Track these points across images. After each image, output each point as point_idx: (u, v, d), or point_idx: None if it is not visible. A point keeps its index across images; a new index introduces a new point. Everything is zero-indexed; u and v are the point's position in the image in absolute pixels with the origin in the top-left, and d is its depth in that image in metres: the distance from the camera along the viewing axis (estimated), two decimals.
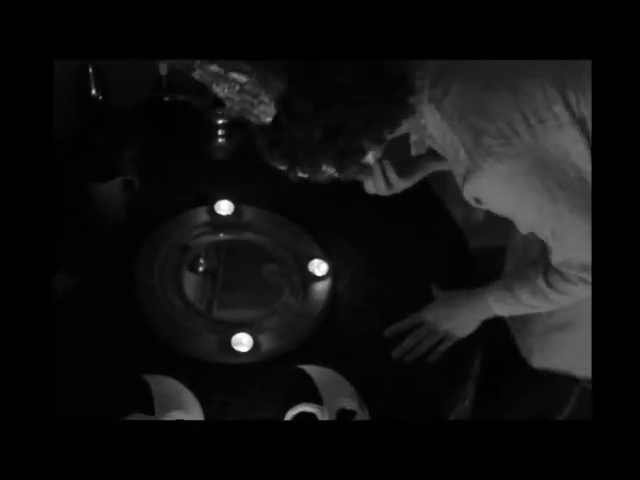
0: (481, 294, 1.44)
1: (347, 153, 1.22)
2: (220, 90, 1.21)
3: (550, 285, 1.33)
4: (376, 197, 1.53)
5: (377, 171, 1.43)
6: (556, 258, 1.28)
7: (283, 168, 1.26)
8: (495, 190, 1.24)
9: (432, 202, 1.73)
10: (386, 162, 1.42)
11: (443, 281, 1.54)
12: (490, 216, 1.87)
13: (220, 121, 1.74)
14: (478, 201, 1.28)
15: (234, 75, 1.20)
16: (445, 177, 2.06)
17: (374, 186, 1.47)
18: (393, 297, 1.53)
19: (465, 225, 1.83)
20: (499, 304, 1.41)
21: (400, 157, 1.46)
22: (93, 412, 1.26)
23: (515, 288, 1.39)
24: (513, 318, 1.53)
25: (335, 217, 1.64)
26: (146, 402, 1.29)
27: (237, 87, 1.21)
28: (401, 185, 1.49)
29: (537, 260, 1.41)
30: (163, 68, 1.66)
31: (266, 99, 1.19)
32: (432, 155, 1.44)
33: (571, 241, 1.24)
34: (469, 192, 1.25)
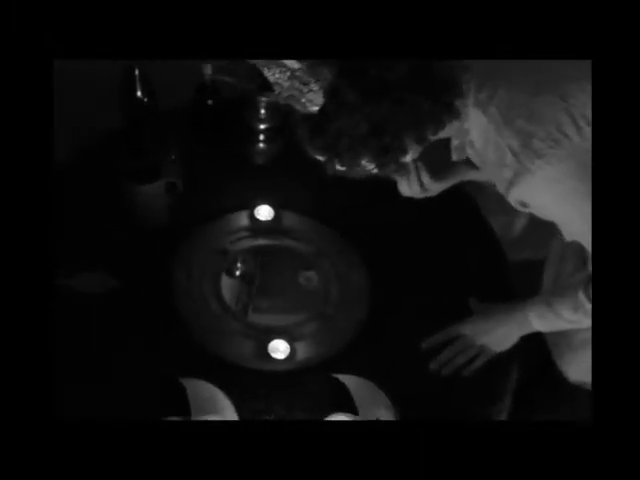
0: (521, 310, 1.43)
1: (390, 149, 1.21)
2: (271, 74, 1.20)
3: (591, 299, 1.31)
4: (416, 205, 1.53)
5: (412, 172, 1.42)
6: None
7: (322, 159, 1.25)
8: (543, 193, 1.22)
9: (471, 213, 1.72)
10: (420, 164, 1.41)
11: (481, 293, 1.53)
12: (529, 228, 1.86)
13: (262, 126, 1.74)
14: (524, 205, 1.26)
15: (287, 61, 1.19)
16: (483, 187, 2.06)
17: (409, 187, 1.46)
18: (431, 308, 1.52)
19: (503, 236, 1.81)
20: (540, 320, 1.40)
21: (435, 161, 1.46)
22: (129, 414, 1.27)
23: (555, 304, 1.38)
24: (551, 332, 1.52)
25: (374, 226, 1.63)
26: (182, 405, 1.30)
27: (288, 73, 1.19)
28: (434, 188, 1.49)
29: (576, 274, 1.39)
30: (207, 69, 1.67)
31: (315, 87, 1.18)
32: (468, 163, 1.43)
33: None
34: (515, 196, 1.24)
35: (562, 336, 1.55)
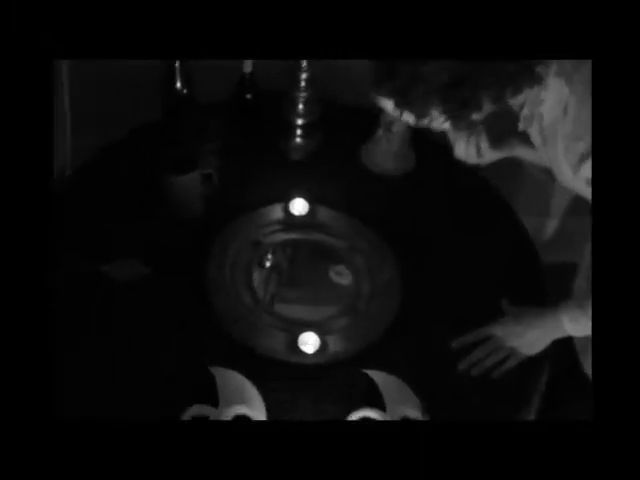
0: (554, 313, 1.41)
1: (467, 104, 1.18)
2: None
3: None
4: (449, 204, 1.53)
5: (475, 134, 1.40)
6: None
7: (385, 105, 1.22)
8: None
9: (504, 213, 1.71)
10: (481, 128, 1.39)
11: (513, 294, 1.52)
12: (561, 231, 1.84)
13: (300, 121, 1.75)
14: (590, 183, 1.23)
15: None
16: (520, 187, 2.05)
17: (465, 150, 1.45)
18: (462, 308, 1.51)
19: (536, 238, 1.80)
20: (573, 324, 1.39)
21: (496, 128, 1.44)
22: (157, 402, 1.29)
23: (589, 307, 1.36)
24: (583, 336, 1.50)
25: (409, 225, 1.63)
26: (210, 395, 1.31)
27: None
28: (488, 156, 1.48)
29: None
30: (247, 65, 1.68)
31: None
32: (526, 140, 1.41)
33: None
34: (586, 171, 1.21)
35: (589, 340, 1.54)
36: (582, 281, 1.63)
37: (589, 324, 1.36)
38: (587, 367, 1.59)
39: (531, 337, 1.43)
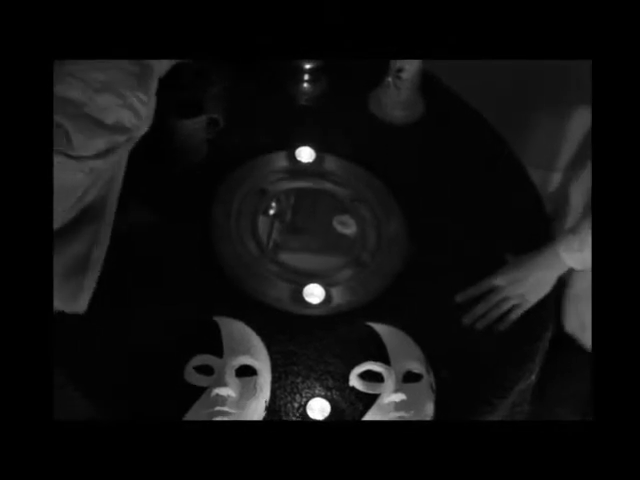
0: (551, 248, 1.43)
1: None
2: None
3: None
4: (458, 158, 1.51)
5: None
6: None
7: None
8: None
9: (512, 165, 1.70)
10: None
11: (519, 247, 1.51)
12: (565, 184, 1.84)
13: (307, 65, 1.71)
14: None
15: None
16: (527, 141, 2.04)
17: None
18: (468, 261, 1.50)
19: (544, 192, 1.80)
20: (568, 252, 1.41)
21: None
22: (161, 353, 1.28)
23: (580, 229, 1.40)
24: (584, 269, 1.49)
25: (416, 175, 1.61)
26: (215, 344, 1.30)
27: None
28: None
29: None
30: None
31: None
32: None
33: None
34: None
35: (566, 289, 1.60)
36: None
37: (581, 245, 1.39)
38: (562, 316, 1.65)
39: (534, 279, 1.44)
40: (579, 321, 1.68)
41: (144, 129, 1.05)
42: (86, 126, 0.97)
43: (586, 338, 1.68)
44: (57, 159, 0.97)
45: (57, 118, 0.95)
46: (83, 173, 1.01)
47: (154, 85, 1.06)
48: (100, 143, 0.99)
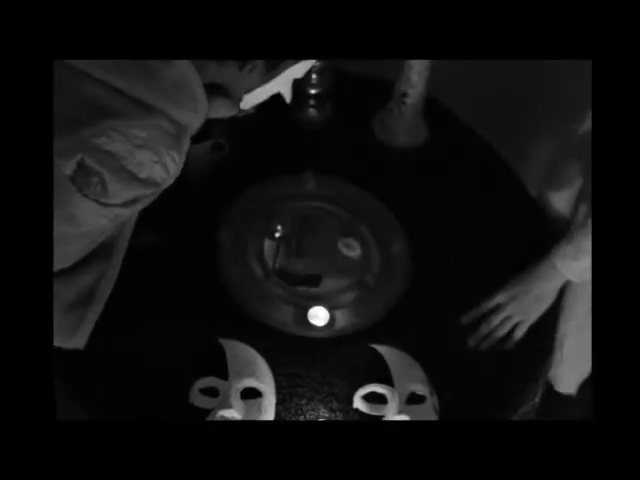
0: (547, 259, 1.44)
1: None
2: None
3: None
4: (460, 181, 1.53)
5: None
6: None
7: None
8: None
9: (515, 187, 1.72)
10: None
11: (522, 268, 1.51)
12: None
13: (312, 91, 1.74)
14: None
15: None
16: (528, 162, 2.06)
17: None
18: (471, 281, 1.51)
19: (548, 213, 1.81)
20: (565, 262, 1.41)
21: None
22: (167, 375, 1.29)
23: (574, 237, 1.41)
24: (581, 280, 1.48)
25: (420, 199, 1.63)
26: (220, 367, 1.31)
27: None
28: None
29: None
30: None
31: None
32: None
33: None
34: None
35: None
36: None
37: (577, 254, 1.40)
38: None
39: (535, 293, 1.45)
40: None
41: (169, 182, 1.08)
42: (123, 177, 0.99)
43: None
44: (88, 205, 1.00)
45: (96, 167, 0.97)
46: (107, 219, 1.04)
47: (187, 144, 1.09)
48: (130, 194, 1.02)
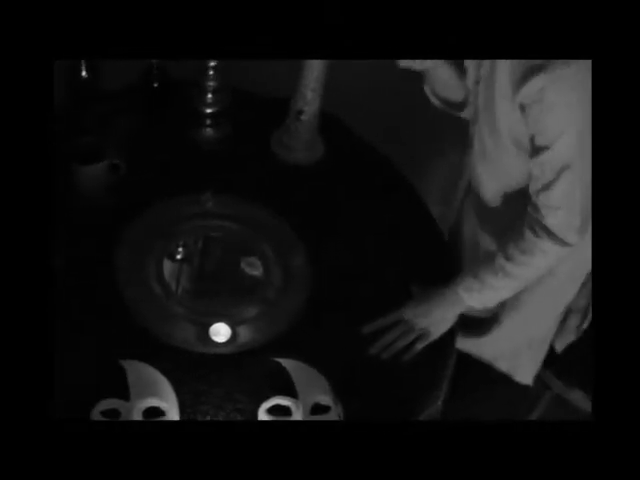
0: (452, 287, 1.48)
1: None
2: None
3: (508, 258, 1.40)
4: (361, 193, 1.55)
5: None
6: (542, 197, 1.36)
7: None
8: (560, 94, 1.24)
9: (413, 202, 1.74)
10: None
11: (423, 278, 1.56)
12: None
13: (209, 110, 1.74)
14: (523, 108, 1.28)
15: None
16: (426, 171, 2.10)
17: None
18: (373, 293, 1.54)
19: (443, 226, 1.84)
20: (468, 293, 1.46)
21: None
22: (68, 396, 1.26)
23: (480, 273, 1.45)
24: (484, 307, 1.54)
25: (319, 212, 1.65)
26: (121, 388, 1.29)
27: None
28: None
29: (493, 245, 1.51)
30: None
31: None
32: None
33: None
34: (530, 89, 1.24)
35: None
36: (468, 253, 1.72)
37: (482, 289, 1.45)
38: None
39: (437, 315, 1.48)
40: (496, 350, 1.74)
41: None
42: None
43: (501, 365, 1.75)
44: None
45: None
46: None
47: None
48: None
